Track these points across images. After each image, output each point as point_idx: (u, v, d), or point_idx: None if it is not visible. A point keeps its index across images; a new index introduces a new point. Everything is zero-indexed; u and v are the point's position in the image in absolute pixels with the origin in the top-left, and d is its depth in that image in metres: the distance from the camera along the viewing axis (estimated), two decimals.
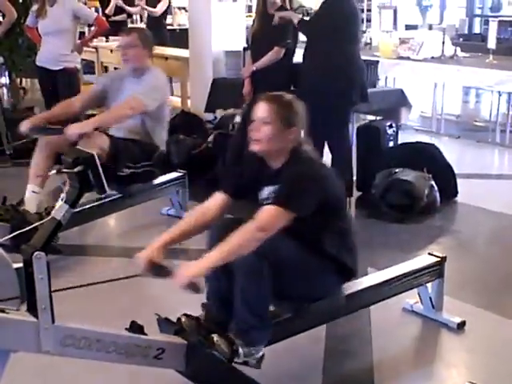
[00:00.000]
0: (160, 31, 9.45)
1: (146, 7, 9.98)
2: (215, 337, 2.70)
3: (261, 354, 2.78)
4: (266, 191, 2.93)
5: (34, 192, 4.47)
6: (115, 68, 9.55)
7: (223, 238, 2.67)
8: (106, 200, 4.54)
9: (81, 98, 5.02)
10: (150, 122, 4.73)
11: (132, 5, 10.76)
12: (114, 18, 10.32)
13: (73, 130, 4.36)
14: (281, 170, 2.88)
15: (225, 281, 2.82)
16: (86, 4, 11.30)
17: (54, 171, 2.81)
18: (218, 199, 3.00)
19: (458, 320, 3.51)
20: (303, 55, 5.39)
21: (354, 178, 5.63)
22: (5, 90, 7.32)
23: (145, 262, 2.74)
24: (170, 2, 11.32)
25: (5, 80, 7.48)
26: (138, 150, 4.64)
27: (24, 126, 4.56)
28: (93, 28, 7.30)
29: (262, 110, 2.89)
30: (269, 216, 2.69)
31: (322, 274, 2.91)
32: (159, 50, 8.50)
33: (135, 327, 2.64)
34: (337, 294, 3.05)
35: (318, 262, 2.86)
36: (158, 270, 2.73)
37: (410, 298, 3.66)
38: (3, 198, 4.40)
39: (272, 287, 2.72)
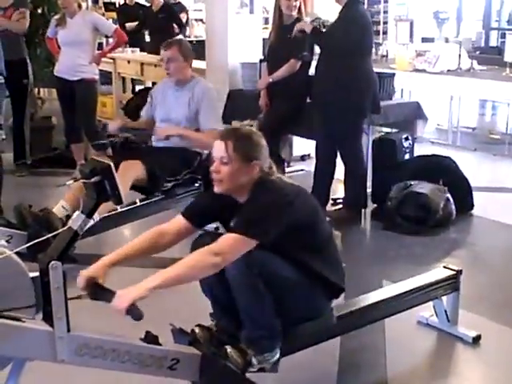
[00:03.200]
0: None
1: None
2: (228, 348, 2.71)
3: (276, 357, 2.77)
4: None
5: (63, 208, 4.42)
6: (132, 79, 9.64)
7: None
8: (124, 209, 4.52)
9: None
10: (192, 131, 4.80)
11: None
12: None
13: (162, 132, 4.67)
14: (246, 204, 2.78)
15: (222, 290, 2.79)
16: (104, 15, 11.40)
17: (70, 181, 2.84)
18: (177, 223, 2.88)
19: (473, 334, 3.49)
20: (316, 67, 5.41)
21: (369, 190, 5.64)
22: None
23: (85, 281, 2.57)
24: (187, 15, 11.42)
25: None
26: (175, 162, 4.69)
27: (112, 126, 4.77)
28: (111, 40, 7.36)
29: (219, 148, 2.76)
30: (226, 241, 2.59)
31: (310, 292, 2.82)
32: None
33: (150, 337, 2.64)
34: (326, 313, 2.96)
35: (304, 279, 2.78)
36: (97, 291, 2.55)
37: (425, 311, 3.65)
38: (28, 206, 4.41)
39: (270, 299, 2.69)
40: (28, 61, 6.52)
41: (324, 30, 5.24)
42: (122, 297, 2.44)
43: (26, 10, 6.28)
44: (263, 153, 2.80)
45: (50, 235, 2.69)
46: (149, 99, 5.09)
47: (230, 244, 2.59)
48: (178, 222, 2.88)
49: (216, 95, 5.03)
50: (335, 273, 2.91)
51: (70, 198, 4.41)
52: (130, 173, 4.41)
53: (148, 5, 10.53)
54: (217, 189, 2.79)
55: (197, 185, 4.91)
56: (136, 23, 10.38)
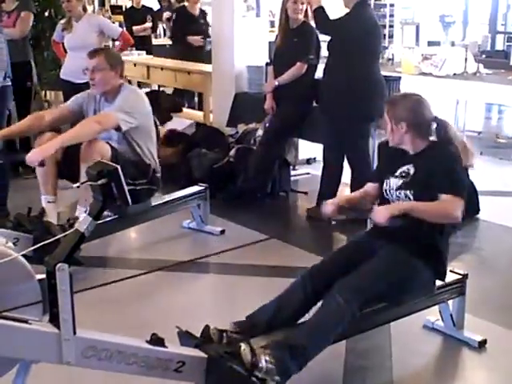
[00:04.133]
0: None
1: None
2: (243, 345, 2.72)
3: (278, 378, 2.76)
4: (399, 170, 3.20)
5: (49, 202, 4.49)
6: (138, 82, 9.66)
7: None
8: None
9: (53, 112, 4.83)
10: (135, 142, 4.56)
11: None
12: (138, 34, 10.43)
13: (34, 156, 4.09)
14: (422, 153, 3.17)
15: (298, 304, 3.05)
16: (110, 18, 11.44)
17: (77, 184, 2.84)
18: (370, 186, 3.41)
19: (479, 338, 3.48)
20: (324, 70, 5.41)
21: None
22: None
23: (334, 206, 3.22)
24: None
25: None
26: (133, 168, 4.45)
27: None
28: (117, 43, 7.37)
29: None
30: (457, 206, 2.99)
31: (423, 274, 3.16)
32: (182, 64, 8.57)
33: (156, 340, 2.65)
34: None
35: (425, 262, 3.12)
36: (348, 211, 3.11)
37: (431, 315, 3.64)
38: (28, 209, 4.44)
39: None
40: (32, 63, 6.52)
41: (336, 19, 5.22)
42: (382, 209, 3.01)
43: (30, 13, 6.27)
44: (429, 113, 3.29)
45: (56, 237, 2.69)
46: (78, 99, 4.72)
47: (459, 207, 3.00)
48: (371, 186, 3.43)
49: (140, 98, 4.64)
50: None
51: (45, 188, 4.49)
52: (96, 147, 4.25)
53: (155, 8, 10.59)
54: (391, 142, 3.28)
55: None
56: (144, 26, 10.44)
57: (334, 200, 3.37)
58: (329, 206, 3.27)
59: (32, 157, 4.10)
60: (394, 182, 3.20)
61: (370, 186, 3.43)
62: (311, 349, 2.83)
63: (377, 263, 3.05)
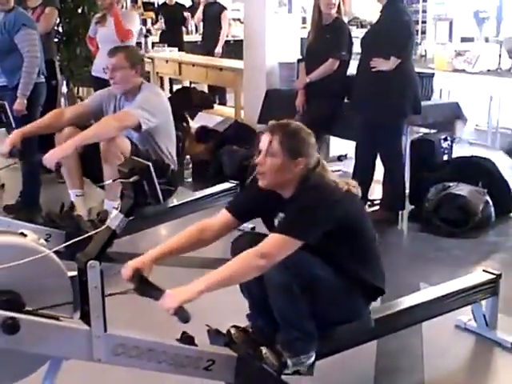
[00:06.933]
0: None
1: None
2: (264, 349, 2.71)
3: (311, 360, 2.75)
4: (278, 218, 2.83)
5: (77, 196, 4.52)
6: (170, 78, 9.69)
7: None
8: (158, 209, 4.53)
9: (73, 109, 4.81)
10: (154, 141, 4.54)
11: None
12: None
13: (51, 157, 4.09)
14: (291, 200, 2.77)
15: (259, 291, 2.77)
16: (142, 15, 11.49)
17: (110, 181, 2.86)
18: (222, 218, 2.89)
19: None
20: (357, 67, 5.37)
21: (407, 191, 5.58)
22: (62, 99, 7.44)
23: (131, 272, 2.60)
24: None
25: (63, 89, 7.61)
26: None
27: (5, 148, 4.28)
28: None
29: (265, 141, 2.78)
30: (272, 243, 2.58)
31: (349, 294, 2.80)
32: (213, 60, 8.57)
33: (186, 338, 2.65)
34: (364, 316, 2.92)
35: (343, 282, 2.76)
36: (145, 287, 2.56)
37: (464, 315, 3.60)
38: (61, 204, 4.47)
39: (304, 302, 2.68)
40: (56, 61, 6.50)
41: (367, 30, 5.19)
42: (172, 297, 2.47)
43: (54, 9, 6.27)
44: (310, 150, 2.79)
45: (88, 234, 2.70)
46: (98, 96, 4.74)
47: (277, 245, 2.58)
48: (223, 216, 2.90)
49: (161, 98, 4.65)
50: (377, 276, 2.89)
51: (72, 182, 4.53)
52: (117, 144, 4.23)
53: (188, 5, 10.62)
54: (261, 182, 2.79)
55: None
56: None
57: (136, 262, 2.67)
58: (127, 269, 2.63)
59: (49, 158, 4.09)
60: None
61: (222, 216, 2.91)
62: (301, 331, 2.72)
63: None
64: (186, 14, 10.90)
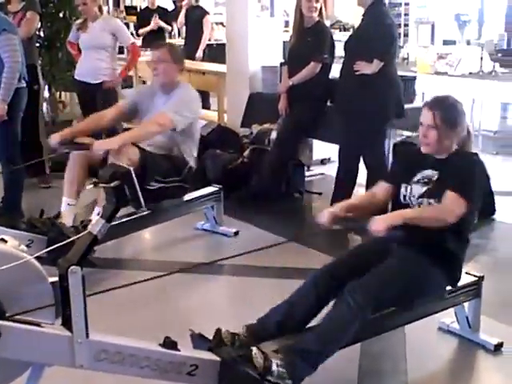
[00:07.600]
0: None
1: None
2: (254, 349, 2.71)
3: (290, 382, 2.75)
4: (420, 175, 3.18)
5: (69, 205, 4.51)
6: None
7: None
8: (140, 214, 4.53)
9: (111, 111, 4.94)
10: (179, 138, 4.66)
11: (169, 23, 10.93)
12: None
13: (99, 146, 4.37)
14: (446, 159, 3.14)
15: (325, 293, 3.01)
16: (124, 19, 11.44)
17: (90, 186, 2.84)
18: (382, 187, 3.34)
19: (495, 341, 3.44)
20: (340, 70, 5.37)
21: None
22: (44, 104, 7.38)
23: (330, 216, 3.03)
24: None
25: (45, 94, 7.55)
26: (167, 165, 4.58)
27: (53, 140, 4.53)
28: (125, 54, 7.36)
29: (427, 115, 3.12)
30: (455, 204, 2.95)
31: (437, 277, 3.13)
32: (196, 64, 8.56)
33: (169, 343, 2.64)
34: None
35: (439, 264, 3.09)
36: (345, 222, 2.97)
37: (447, 318, 3.61)
38: (40, 210, 4.45)
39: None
40: (38, 66, 6.45)
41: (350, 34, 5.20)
42: (380, 221, 2.87)
43: (36, 13, 6.23)
44: (464, 120, 3.20)
45: (69, 240, 2.68)
46: (132, 97, 4.99)
47: (457, 207, 2.96)
48: (382, 185, 3.35)
49: (195, 98, 4.82)
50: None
51: (69, 191, 4.53)
52: (126, 151, 4.31)
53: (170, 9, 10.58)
54: (423, 149, 3.17)
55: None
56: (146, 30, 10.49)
57: (334, 208, 3.15)
58: (325, 215, 3.08)
59: (97, 147, 4.36)
60: (416, 189, 3.15)
61: (381, 187, 3.34)
62: (323, 352, 2.82)
63: (390, 266, 3.01)
64: (154, 15, 10.82)
